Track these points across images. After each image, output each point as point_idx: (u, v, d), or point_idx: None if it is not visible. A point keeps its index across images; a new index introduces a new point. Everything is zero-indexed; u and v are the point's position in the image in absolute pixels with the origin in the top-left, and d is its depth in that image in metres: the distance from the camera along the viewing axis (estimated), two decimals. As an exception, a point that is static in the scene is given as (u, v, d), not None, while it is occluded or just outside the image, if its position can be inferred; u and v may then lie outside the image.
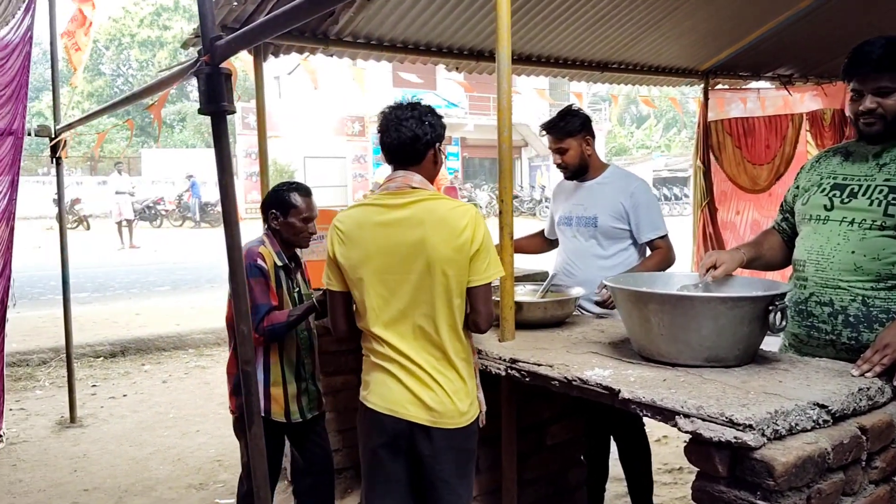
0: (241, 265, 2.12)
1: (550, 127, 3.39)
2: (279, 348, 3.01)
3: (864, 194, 2.25)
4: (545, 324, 2.88)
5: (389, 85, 23.58)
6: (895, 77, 2.15)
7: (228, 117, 2.03)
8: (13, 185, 5.16)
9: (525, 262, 4.13)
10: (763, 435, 1.66)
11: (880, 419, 1.87)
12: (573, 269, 3.42)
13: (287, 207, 3.00)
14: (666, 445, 4.56)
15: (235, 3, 3.87)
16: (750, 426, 1.65)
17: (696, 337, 2.11)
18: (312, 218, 3.05)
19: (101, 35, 38.21)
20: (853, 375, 2.01)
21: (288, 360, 3.04)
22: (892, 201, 2.18)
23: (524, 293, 3.11)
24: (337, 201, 26.26)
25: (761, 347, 2.25)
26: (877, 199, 2.21)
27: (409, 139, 2.31)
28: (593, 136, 3.42)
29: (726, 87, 7.10)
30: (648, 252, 3.39)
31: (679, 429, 1.78)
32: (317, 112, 26.90)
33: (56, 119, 5.51)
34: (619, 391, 1.97)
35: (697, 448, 1.76)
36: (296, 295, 3.10)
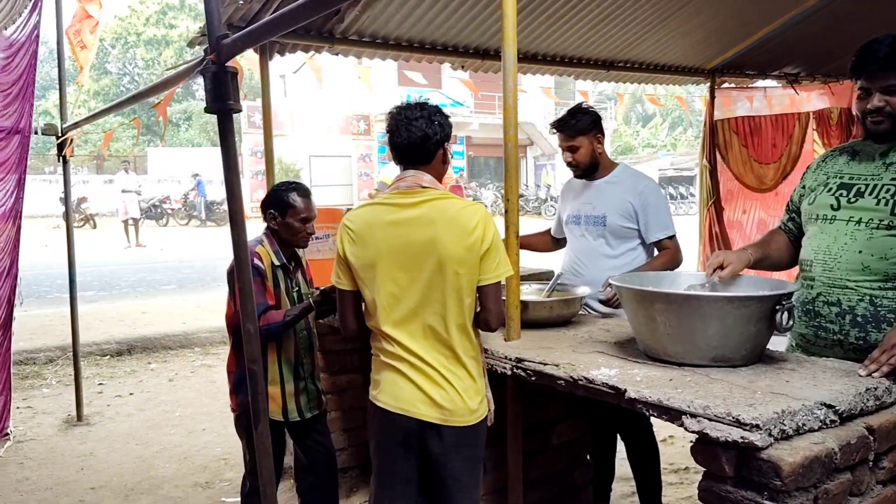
0: (247, 264, 2.13)
1: (561, 125, 3.36)
2: (277, 347, 3.02)
3: (870, 193, 2.24)
4: (551, 323, 2.87)
5: (395, 84, 23.59)
6: None
7: (234, 116, 2.04)
8: (20, 184, 5.18)
9: (531, 262, 4.13)
10: (770, 435, 1.65)
11: (888, 419, 1.86)
12: (581, 269, 3.41)
13: (285, 207, 3.00)
14: (672, 445, 4.56)
15: (241, 2, 3.88)
16: (757, 426, 1.64)
17: (703, 336, 2.10)
18: (311, 218, 3.05)
19: (107, 34, 38.31)
20: (860, 375, 2.00)
21: (286, 359, 3.05)
22: None
23: (530, 292, 3.11)
24: (342, 200, 26.31)
25: (768, 347, 2.24)
26: (884, 198, 2.20)
27: (420, 139, 2.33)
28: (604, 134, 3.40)
29: (733, 85, 7.08)
30: (656, 253, 3.37)
31: (685, 428, 1.77)
32: (322, 111, 26.94)
33: (63, 118, 5.53)
34: (626, 391, 1.96)
35: (704, 448, 1.75)
36: (295, 294, 3.10)
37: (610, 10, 4.97)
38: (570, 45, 5.50)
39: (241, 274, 2.12)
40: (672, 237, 3.31)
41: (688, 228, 8.03)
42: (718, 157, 7.13)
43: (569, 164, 3.41)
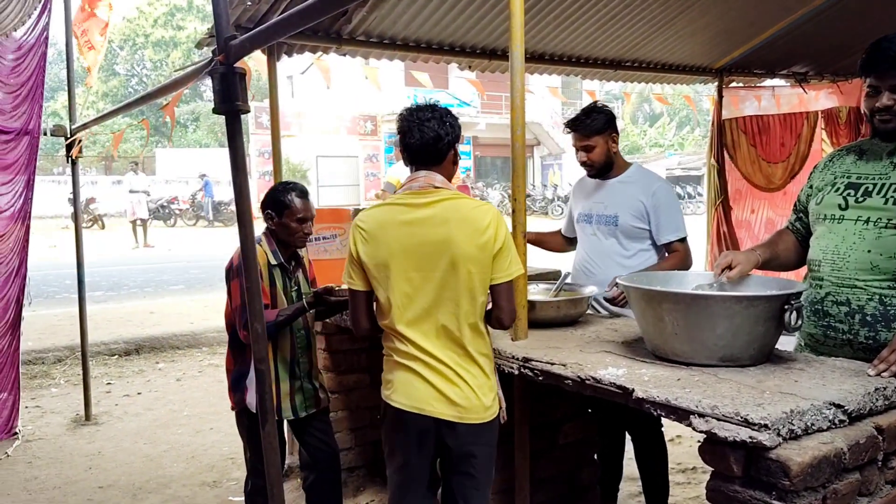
0: (254, 264, 2.14)
1: (576, 124, 3.32)
2: (273, 346, 3.04)
3: (878, 193, 2.23)
4: (558, 323, 2.87)
5: (402, 84, 23.63)
6: None
7: (242, 117, 2.04)
8: (29, 185, 5.21)
9: (538, 261, 4.12)
10: (779, 435, 1.65)
11: (897, 419, 1.85)
12: (593, 268, 3.38)
13: (282, 208, 3.02)
14: (679, 445, 4.55)
15: (249, 3, 3.89)
16: (765, 426, 1.64)
17: (711, 336, 2.10)
18: (307, 219, 3.06)
19: (115, 35, 38.44)
20: (869, 375, 1.99)
21: (282, 358, 3.06)
22: None
23: (537, 292, 3.10)
24: (349, 200, 26.33)
25: (776, 347, 2.23)
26: (892, 197, 2.20)
27: (432, 139, 2.35)
28: (618, 133, 3.36)
29: (741, 84, 7.06)
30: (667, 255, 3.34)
31: (694, 428, 1.77)
32: (329, 111, 26.96)
33: (71, 119, 5.55)
34: (633, 390, 1.96)
35: (712, 448, 1.75)
36: (293, 294, 3.12)
37: (617, 10, 4.97)
38: (577, 44, 5.49)
39: (249, 274, 2.13)
40: (683, 240, 3.28)
41: (695, 228, 8.00)
42: (726, 156, 7.10)
43: (583, 164, 3.37)
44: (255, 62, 4.56)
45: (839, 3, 5.24)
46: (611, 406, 3.21)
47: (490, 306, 2.41)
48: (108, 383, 6.57)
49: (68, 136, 5.43)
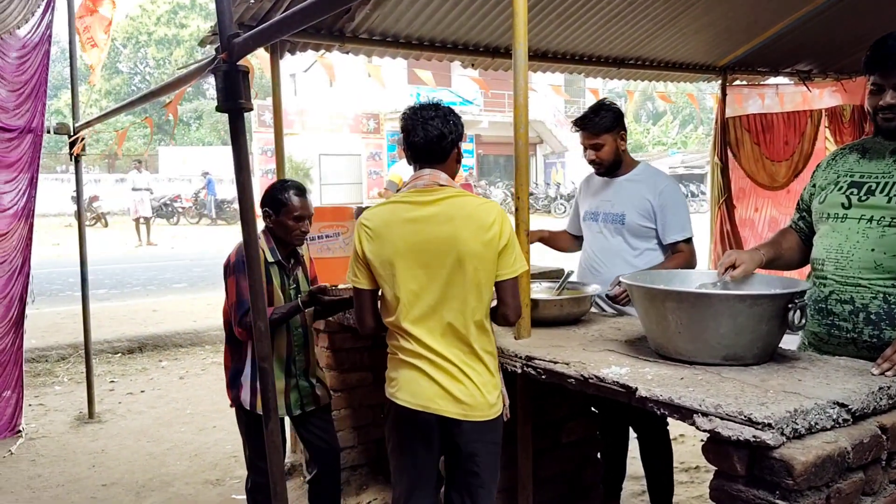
0: (257, 262, 2.14)
1: (584, 123, 3.29)
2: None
3: (881, 191, 2.23)
4: (561, 321, 2.87)
5: (404, 82, 23.60)
6: None
7: (245, 115, 2.04)
8: (32, 183, 5.22)
9: (541, 260, 4.12)
10: (782, 434, 1.64)
11: (901, 418, 1.85)
12: (599, 266, 3.36)
13: (279, 206, 3.03)
14: (683, 444, 4.54)
15: (252, 1, 3.89)
16: (769, 425, 1.63)
17: (715, 335, 2.10)
18: (305, 217, 3.06)
19: (118, 33, 38.48)
20: (873, 374, 1.99)
21: (277, 356, 3.07)
22: None
23: (540, 290, 3.10)
24: (351, 198, 26.36)
25: (780, 346, 2.23)
26: (895, 195, 2.19)
27: (436, 137, 2.36)
28: (626, 131, 3.35)
29: (744, 82, 7.05)
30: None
31: (697, 427, 1.77)
32: (332, 109, 26.98)
33: (75, 117, 5.55)
34: (637, 389, 1.96)
35: (715, 447, 1.74)
36: (291, 292, 3.12)
37: (621, 8, 4.96)
38: (580, 42, 5.48)
39: (252, 272, 2.13)
40: (688, 240, 3.25)
41: (699, 226, 7.99)
42: (730, 154, 7.09)
43: (591, 162, 3.35)
44: (257, 60, 4.56)
45: (843, 1, 5.22)
46: (615, 405, 3.21)
47: (495, 303, 2.42)
48: (112, 381, 6.58)
49: (71, 134, 5.44)
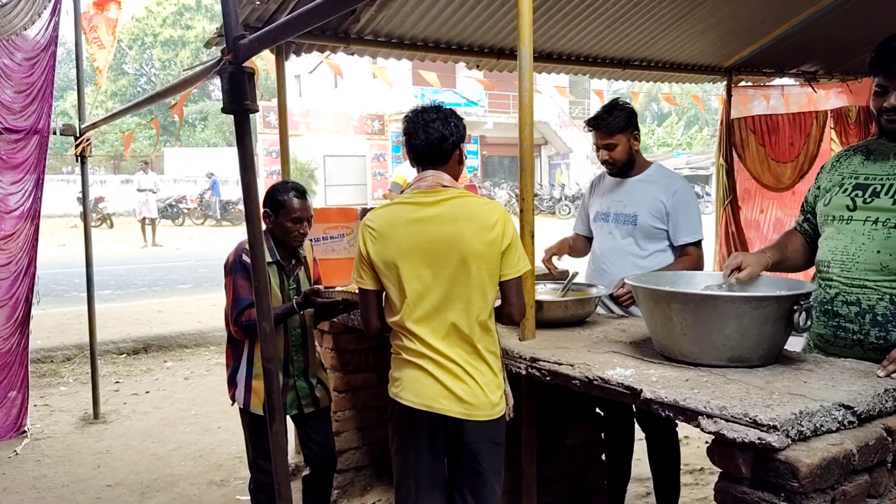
0: (263, 262, 2.14)
1: (598, 122, 3.25)
2: None
3: (887, 193, 2.22)
4: (566, 323, 2.86)
5: (409, 83, 23.62)
6: None
7: (250, 116, 2.05)
8: (38, 184, 5.23)
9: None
10: (787, 436, 1.64)
11: (907, 420, 1.84)
12: (607, 267, 3.33)
13: (277, 207, 3.05)
14: (687, 446, 4.53)
15: (258, 3, 3.89)
16: (774, 427, 1.63)
17: (720, 337, 2.09)
18: (303, 219, 3.07)
19: (123, 35, 38.59)
20: (879, 376, 1.98)
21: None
22: None
23: (545, 292, 3.10)
24: (356, 200, 26.38)
25: (785, 348, 2.22)
26: (900, 198, 2.19)
27: (437, 139, 2.38)
28: (639, 131, 3.30)
29: (750, 83, 7.03)
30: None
31: (702, 429, 1.77)
32: (337, 111, 27.01)
33: (81, 118, 5.57)
34: (641, 391, 1.96)
35: (720, 449, 1.74)
36: (290, 292, 3.13)
37: (626, 9, 4.95)
38: (585, 43, 5.48)
39: (257, 274, 2.14)
40: (698, 243, 3.23)
41: (704, 228, 7.99)
42: (735, 155, 7.08)
43: (604, 163, 3.32)
44: (262, 61, 4.57)
45: (849, 2, 5.21)
46: (621, 406, 3.21)
47: (499, 303, 2.43)
48: (117, 382, 6.59)
49: (77, 135, 5.45)
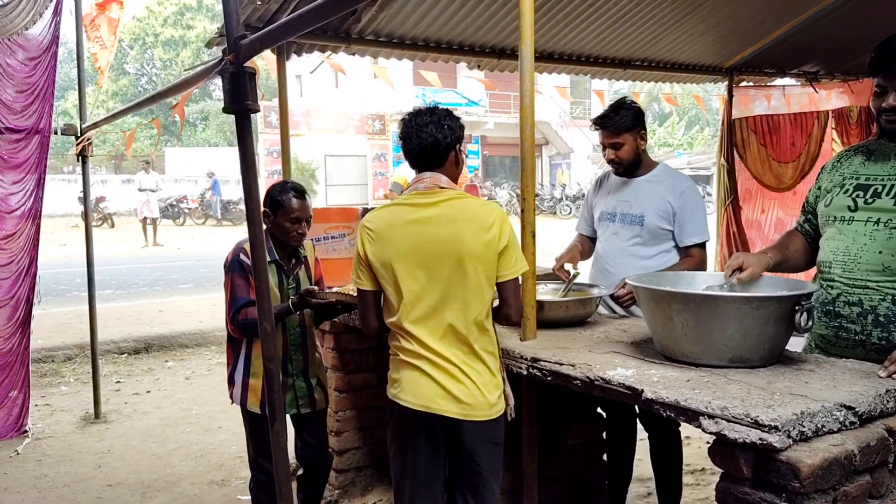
0: (264, 263, 2.14)
1: (604, 121, 3.22)
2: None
3: (888, 194, 2.22)
4: (567, 323, 2.86)
5: (410, 83, 23.62)
6: None
7: (251, 116, 2.05)
8: (39, 184, 5.23)
9: (547, 261, 4.10)
10: (789, 436, 1.64)
11: (909, 421, 1.84)
12: (611, 268, 3.30)
13: (276, 207, 3.06)
14: (688, 446, 4.52)
15: (259, 3, 3.89)
16: (775, 427, 1.63)
17: (721, 337, 2.09)
18: (302, 219, 3.08)
19: (125, 34, 38.59)
20: (880, 377, 1.98)
21: None
22: None
23: (546, 292, 3.10)
24: (357, 199, 26.37)
25: (786, 348, 2.22)
26: (902, 198, 2.19)
27: (431, 144, 2.39)
28: (646, 130, 3.27)
29: (751, 84, 7.03)
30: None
31: (703, 430, 1.76)
32: (338, 110, 27.01)
33: (82, 118, 5.57)
34: (642, 391, 1.96)
35: (722, 449, 1.74)
36: (290, 292, 3.14)
37: (627, 9, 4.95)
38: (586, 43, 5.48)
39: (258, 274, 2.14)
40: (703, 245, 3.22)
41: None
42: (736, 156, 7.07)
43: (610, 162, 3.28)
44: (263, 61, 4.57)
45: (850, 2, 5.21)
46: (622, 407, 3.20)
47: (497, 303, 2.43)
48: (118, 382, 6.59)
49: (79, 135, 5.45)
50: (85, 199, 5.78)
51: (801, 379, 1.99)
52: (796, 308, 2.06)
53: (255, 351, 3.09)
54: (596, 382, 2.13)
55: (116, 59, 37.94)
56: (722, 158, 7.11)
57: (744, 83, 6.95)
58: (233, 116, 2.01)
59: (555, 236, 14.18)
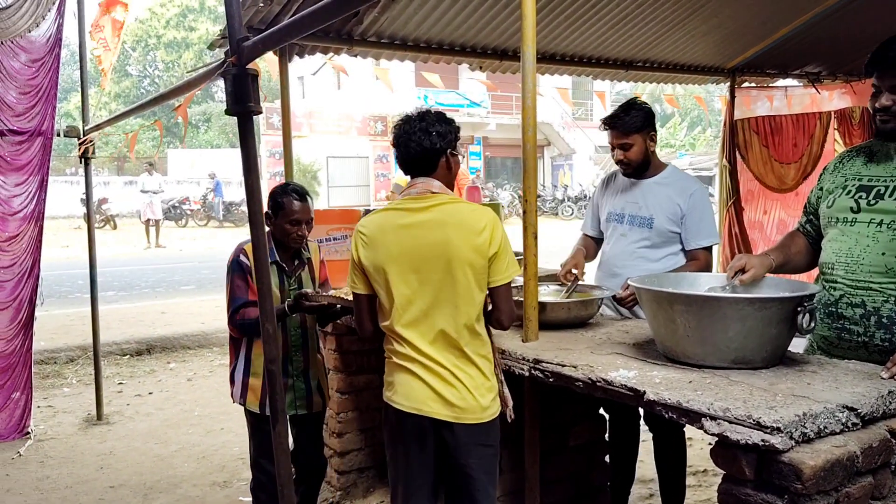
0: (266, 264, 2.15)
1: (614, 122, 3.20)
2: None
3: (891, 195, 2.22)
4: (569, 324, 2.86)
5: (412, 85, 23.61)
6: None
7: (253, 118, 2.05)
8: (42, 186, 5.24)
9: (548, 262, 4.11)
10: (791, 438, 1.64)
11: (911, 422, 1.84)
12: (619, 270, 3.27)
13: (277, 209, 3.08)
14: (691, 447, 4.49)
15: (262, 5, 3.90)
16: (778, 429, 1.63)
17: (723, 338, 2.09)
18: (302, 221, 3.09)
19: (127, 36, 38.61)
20: (883, 378, 1.98)
21: None
22: None
23: (548, 293, 3.10)
24: (359, 201, 26.36)
25: (788, 350, 2.22)
26: (904, 199, 2.18)
27: (419, 153, 2.41)
28: (656, 131, 3.24)
29: (753, 84, 7.03)
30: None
31: (705, 431, 1.76)
32: (340, 112, 27.01)
33: (84, 120, 5.58)
34: (644, 392, 1.96)
35: (724, 451, 1.74)
36: (292, 293, 3.14)
37: (629, 10, 4.95)
38: (588, 44, 5.48)
39: (260, 276, 2.14)
40: (709, 248, 3.20)
41: (707, 229, 7.96)
42: (738, 156, 7.07)
43: (619, 163, 3.26)
44: (265, 63, 4.58)
45: (852, 3, 5.20)
46: (624, 408, 3.20)
47: (490, 308, 2.44)
48: (120, 383, 6.60)
49: (81, 136, 5.46)
50: (87, 201, 5.79)
51: (803, 380, 1.99)
52: (798, 309, 2.06)
53: (255, 350, 3.11)
54: (598, 384, 2.13)
55: (119, 60, 37.98)
56: (724, 159, 7.11)
57: (746, 84, 6.95)
58: (235, 118, 2.01)
59: (557, 237, 14.18)
